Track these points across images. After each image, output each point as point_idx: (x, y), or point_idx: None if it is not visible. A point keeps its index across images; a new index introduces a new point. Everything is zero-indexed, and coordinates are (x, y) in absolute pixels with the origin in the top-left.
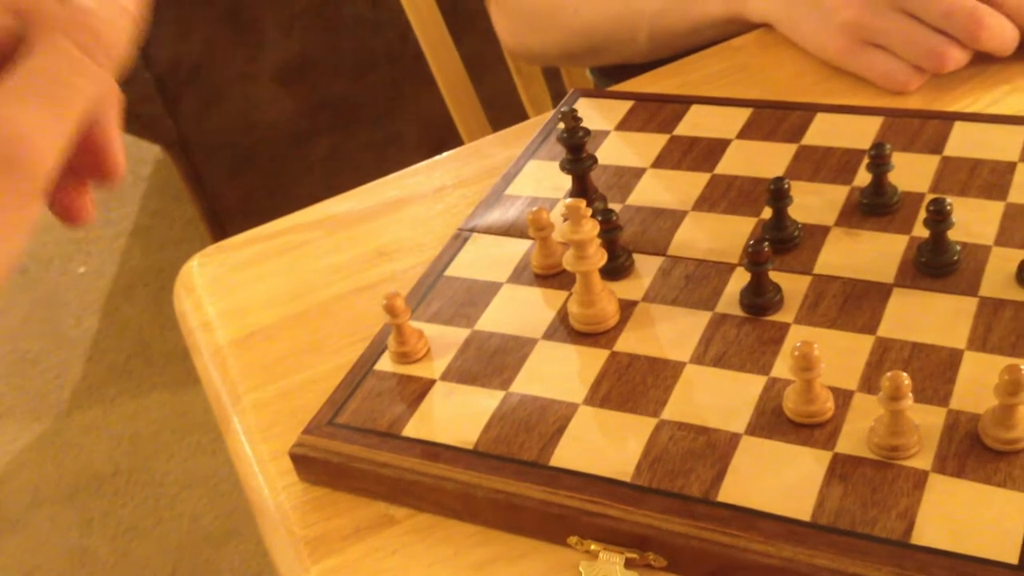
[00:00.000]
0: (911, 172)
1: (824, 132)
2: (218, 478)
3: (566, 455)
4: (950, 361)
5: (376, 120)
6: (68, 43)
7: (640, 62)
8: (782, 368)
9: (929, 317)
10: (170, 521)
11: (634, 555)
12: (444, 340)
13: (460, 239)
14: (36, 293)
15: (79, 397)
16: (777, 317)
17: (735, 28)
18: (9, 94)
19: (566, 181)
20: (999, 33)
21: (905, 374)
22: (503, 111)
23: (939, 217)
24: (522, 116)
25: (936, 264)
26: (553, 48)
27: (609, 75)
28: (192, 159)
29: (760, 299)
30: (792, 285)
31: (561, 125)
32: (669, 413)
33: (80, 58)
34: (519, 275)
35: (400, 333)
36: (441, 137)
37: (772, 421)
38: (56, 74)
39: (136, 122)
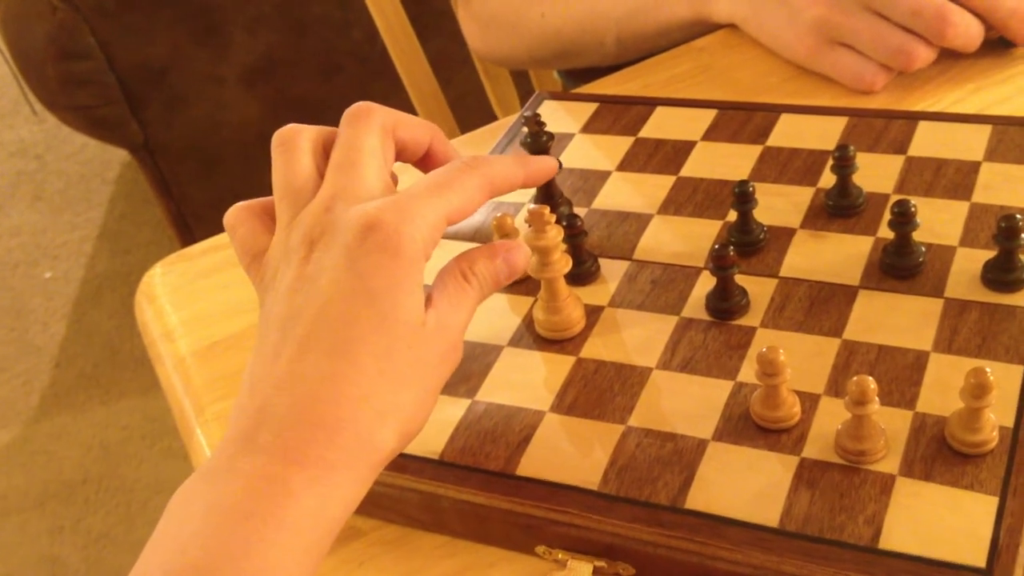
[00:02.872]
0: (876, 173)
1: (789, 133)
2: None
3: (533, 464)
4: (916, 363)
5: None
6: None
7: (608, 65)
8: (749, 373)
9: (895, 319)
10: (142, 528)
11: (602, 564)
12: None
13: None
14: (2, 299)
15: (47, 404)
16: (743, 321)
17: (701, 29)
18: None
19: None
20: (965, 30)
21: (871, 378)
22: (471, 111)
23: (903, 219)
24: (490, 116)
25: (901, 266)
26: (521, 52)
27: (577, 76)
28: (158, 162)
29: (726, 303)
30: (758, 288)
31: (525, 129)
32: (636, 420)
33: None
34: None
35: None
36: None
37: (739, 426)
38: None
39: (101, 126)
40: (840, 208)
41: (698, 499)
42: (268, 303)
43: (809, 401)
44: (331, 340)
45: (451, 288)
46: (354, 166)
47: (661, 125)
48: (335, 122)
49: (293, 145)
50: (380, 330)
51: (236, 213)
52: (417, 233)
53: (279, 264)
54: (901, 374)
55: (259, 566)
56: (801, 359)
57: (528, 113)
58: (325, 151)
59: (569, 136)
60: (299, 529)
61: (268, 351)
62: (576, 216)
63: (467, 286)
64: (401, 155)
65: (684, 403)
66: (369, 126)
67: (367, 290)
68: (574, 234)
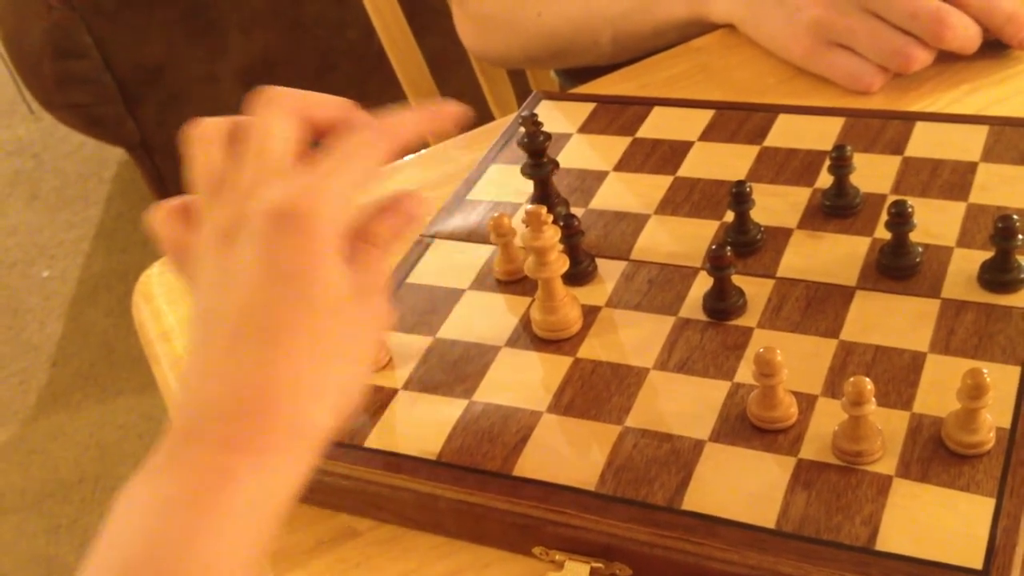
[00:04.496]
0: (873, 173)
1: (786, 133)
2: None
3: (530, 464)
4: (913, 364)
5: None
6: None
7: (604, 64)
8: (746, 373)
9: (892, 320)
10: None
11: (599, 564)
12: (406, 349)
13: (422, 245)
14: None
15: (44, 403)
16: (740, 322)
17: (698, 29)
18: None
19: (528, 185)
20: (963, 33)
21: (868, 379)
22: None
23: (900, 219)
24: (487, 115)
25: (898, 266)
26: (516, 52)
27: (574, 76)
28: (155, 161)
29: (723, 304)
30: (755, 289)
31: (522, 130)
32: (633, 420)
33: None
34: (482, 281)
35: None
36: None
37: (736, 427)
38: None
39: (97, 125)
40: (837, 208)
41: (695, 499)
42: (196, 300)
43: (806, 402)
44: (258, 329)
45: (359, 256)
46: (265, 153)
47: (658, 125)
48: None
49: (206, 139)
50: (304, 313)
51: (157, 215)
52: (328, 210)
53: (203, 260)
54: (898, 375)
55: (203, 556)
56: (798, 360)
57: (525, 113)
58: (239, 140)
59: (566, 136)
60: (242, 516)
61: (199, 349)
62: (573, 216)
63: (372, 249)
64: (317, 135)
65: (681, 403)
66: (278, 111)
67: (286, 276)
68: (571, 234)
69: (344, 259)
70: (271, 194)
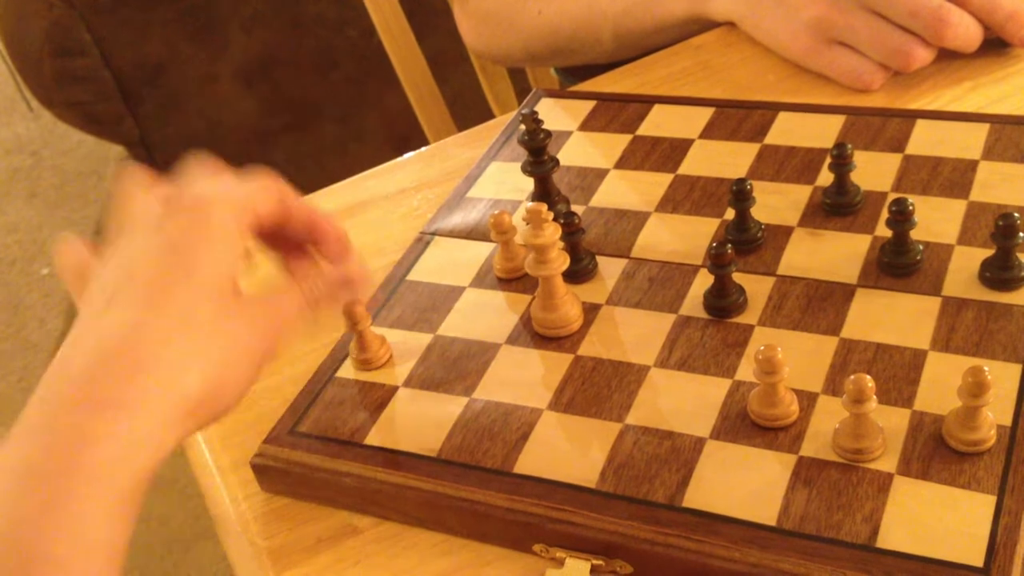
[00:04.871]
0: (873, 171)
1: (786, 131)
2: (186, 480)
3: (530, 462)
4: (914, 362)
5: (340, 119)
6: None
7: (605, 62)
8: (746, 371)
9: (892, 317)
10: (138, 523)
11: (600, 562)
12: (406, 346)
13: (422, 243)
14: None
15: None
16: (741, 319)
17: (698, 27)
18: None
19: (528, 183)
20: (964, 32)
21: (868, 376)
22: (468, 108)
23: (901, 217)
24: (487, 113)
25: (899, 264)
26: (517, 50)
27: (574, 74)
28: (155, 159)
29: (724, 301)
30: (756, 287)
31: (522, 127)
32: (633, 418)
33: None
34: (482, 279)
35: (361, 340)
36: (406, 135)
37: (737, 425)
38: None
39: (97, 122)
40: (838, 206)
41: (695, 497)
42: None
43: (807, 399)
44: (136, 294)
45: (281, 285)
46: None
47: (659, 123)
48: (332, 120)
49: (146, 187)
50: (186, 284)
51: (63, 246)
52: (224, 205)
53: (105, 251)
54: (899, 372)
55: (66, 520)
56: (799, 357)
57: (525, 111)
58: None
59: (567, 134)
60: (103, 477)
61: (75, 326)
62: (573, 214)
63: (292, 288)
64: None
65: (682, 401)
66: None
67: (173, 248)
68: (571, 232)
69: (242, 253)
70: (179, 195)
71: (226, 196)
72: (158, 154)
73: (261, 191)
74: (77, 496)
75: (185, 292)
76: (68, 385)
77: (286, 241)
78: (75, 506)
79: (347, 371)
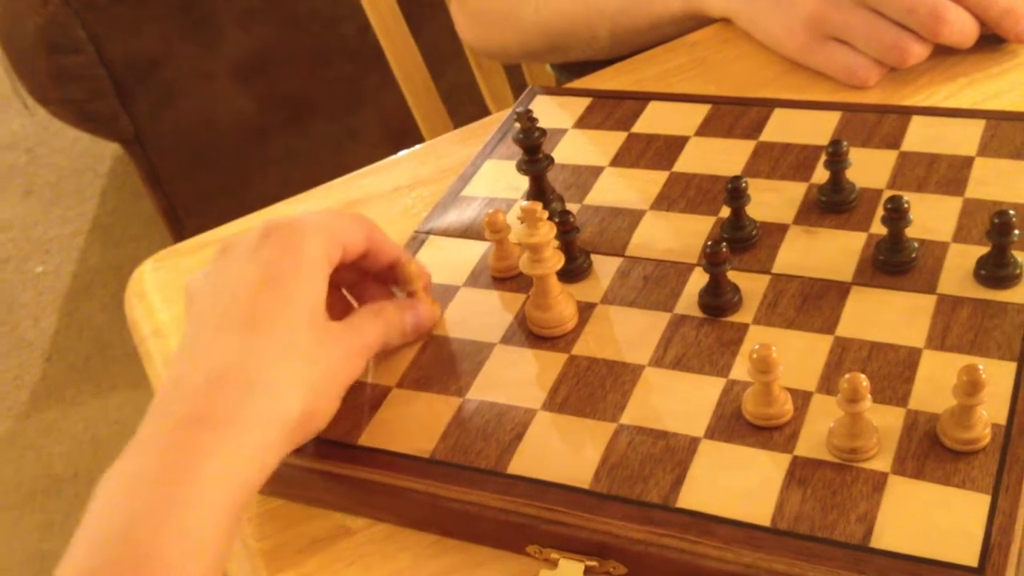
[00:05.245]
0: (869, 168)
1: (782, 128)
2: None
3: (524, 462)
4: (908, 360)
5: (335, 115)
6: None
7: (602, 58)
8: (741, 370)
9: (887, 316)
10: None
11: (594, 563)
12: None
13: (417, 241)
14: None
15: (38, 398)
16: (736, 318)
17: (694, 23)
18: None
19: (523, 181)
20: (960, 28)
21: (863, 376)
22: (464, 104)
23: (896, 215)
24: (483, 109)
25: (894, 262)
26: (514, 46)
27: (570, 70)
28: (149, 156)
29: (718, 300)
30: (751, 285)
31: (517, 125)
32: (628, 417)
33: None
34: (476, 278)
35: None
36: (402, 131)
37: (731, 424)
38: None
39: (92, 119)
40: (833, 204)
41: (690, 497)
42: (191, 303)
43: (801, 398)
44: (240, 319)
45: (362, 314)
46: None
47: (654, 120)
48: (327, 116)
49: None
50: (284, 309)
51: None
52: (316, 236)
53: (202, 275)
54: (893, 371)
55: (177, 527)
56: (793, 356)
57: (520, 109)
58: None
59: (562, 131)
60: (212, 489)
61: (187, 338)
62: (568, 212)
63: (375, 319)
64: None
65: (676, 401)
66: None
67: (270, 277)
68: (566, 230)
69: (333, 284)
70: (276, 221)
71: (318, 225)
72: (153, 151)
73: (351, 223)
74: (190, 504)
75: (286, 317)
76: (183, 404)
77: (364, 275)
78: (187, 512)
79: None
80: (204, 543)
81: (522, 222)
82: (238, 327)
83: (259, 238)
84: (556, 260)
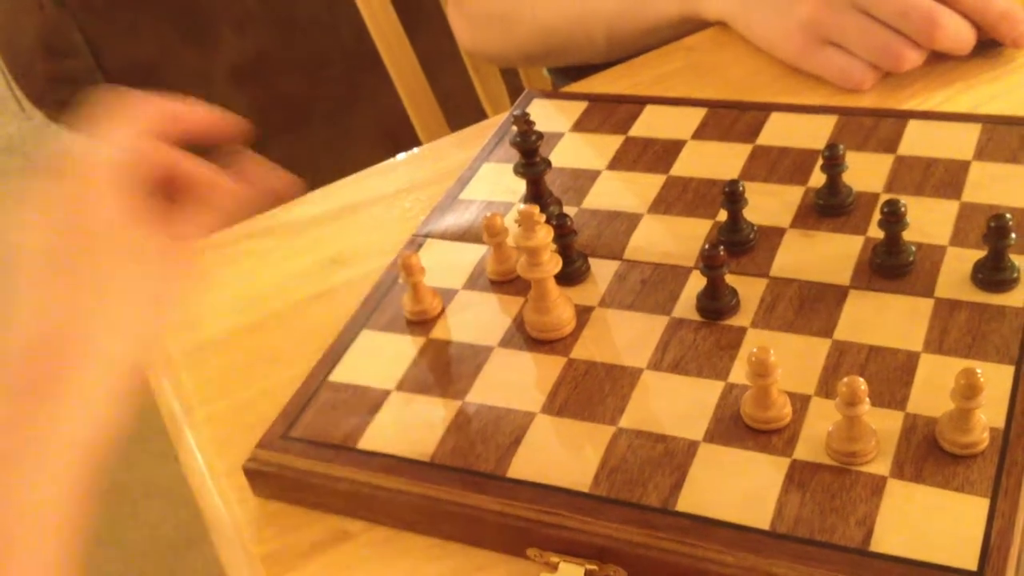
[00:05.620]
0: (866, 172)
1: (779, 132)
2: (179, 485)
3: (523, 466)
4: (907, 364)
5: (333, 119)
6: None
7: (599, 62)
8: (739, 373)
9: (885, 319)
10: (132, 530)
11: (594, 566)
12: (399, 350)
13: (415, 245)
14: None
15: None
16: (734, 321)
17: (691, 27)
18: None
19: (521, 185)
20: (954, 33)
21: (861, 379)
22: (460, 108)
23: (893, 218)
24: (480, 113)
25: (891, 265)
26: (511, 50)
27: (567, 74)
28: None
29: (716, 303)
30: (748, 288)
31: (514, 129)
32: (627, 421)
33: None
34: (474, 281)
35: (416, 292)
36: (399, 135)
37: (730, 428)
38: None
39: None
40: (830, 207)
41: (689, 501)
42: None
43: (800, 402)
44: (37, 274)
45: (176, 205)
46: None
47: (651, 124)
48: (324, 120)
49: None
50: (82, 249)
51: None
52: (101, 153)
53: None
54: (892, 375)
55: (19, 508)
56: (791, 359)
57: (517, 112)
58: None
59: (559, 135)
60: (54, 461)
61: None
62: (566, 216)
63: (192, 202)
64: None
65: (675, 404)
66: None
67: (55, 220)
68: (564, 234)
69: (136, 202)
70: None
71: (105, 143)
72: None
73: (136, 153)
74: (30, 484)
75: (85, 257)
76: (7, 378)
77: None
78: (29, 493)
79: (340, 375)
80: (46, 516)
81: (519, 225)
82: (36, 284)
83: (52, 178)
84: (554, 263)
